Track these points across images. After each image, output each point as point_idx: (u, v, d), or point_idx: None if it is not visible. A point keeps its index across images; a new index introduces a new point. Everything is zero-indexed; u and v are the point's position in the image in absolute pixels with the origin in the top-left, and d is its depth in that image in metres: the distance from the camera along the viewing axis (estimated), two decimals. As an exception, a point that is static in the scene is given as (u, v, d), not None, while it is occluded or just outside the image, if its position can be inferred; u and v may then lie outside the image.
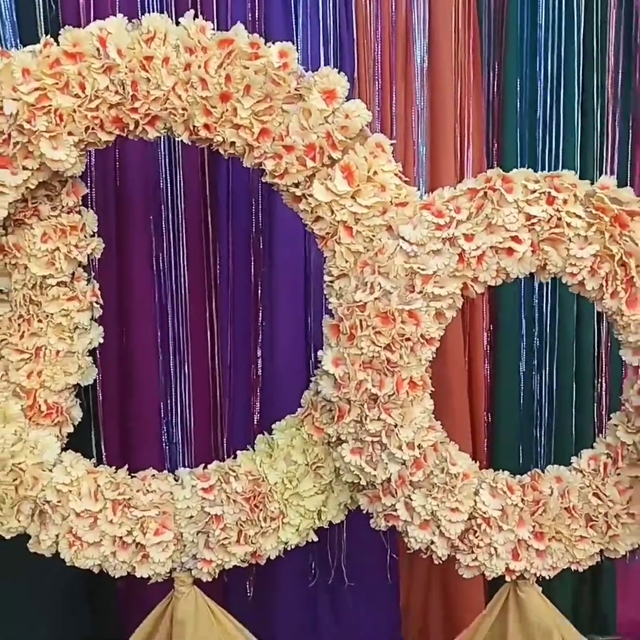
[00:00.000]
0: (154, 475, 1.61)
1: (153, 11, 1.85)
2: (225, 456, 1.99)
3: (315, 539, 1.62)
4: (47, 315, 1.59)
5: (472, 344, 2.08)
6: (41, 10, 1.83)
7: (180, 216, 1.93)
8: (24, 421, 1.54)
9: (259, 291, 1.99)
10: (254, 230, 1.97)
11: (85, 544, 1.55)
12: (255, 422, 2.02)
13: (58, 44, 1.45)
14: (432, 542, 1.54)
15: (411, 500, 1.51)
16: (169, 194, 1.93)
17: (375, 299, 1.46)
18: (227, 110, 1.48)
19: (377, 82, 1.94)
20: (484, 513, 1.52)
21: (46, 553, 1.57)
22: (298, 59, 1.50)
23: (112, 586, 2.02)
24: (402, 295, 1.46)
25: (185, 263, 1.94)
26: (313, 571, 2.09)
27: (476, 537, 1.52)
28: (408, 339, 1.47)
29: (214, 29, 1.49)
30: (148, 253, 1.92)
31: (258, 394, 2.02)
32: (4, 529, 1.54)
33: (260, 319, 2.00)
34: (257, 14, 1.90)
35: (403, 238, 1.46)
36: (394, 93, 1.95)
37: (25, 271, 1.57)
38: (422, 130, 1.98)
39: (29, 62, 1.43)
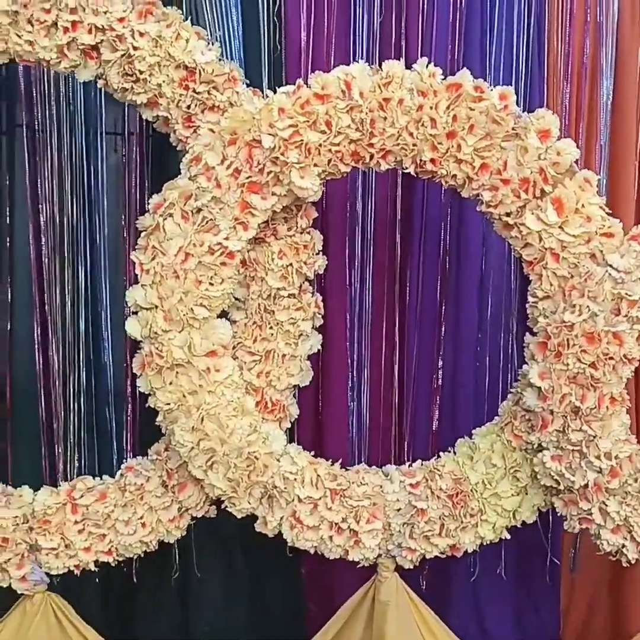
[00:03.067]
0: (365, 469, 1.80)
1: (361, 50, 2.08)
2: (407, 457, 2.17)
3: (508, 536, 1.78)
4: (277, 323, 1.80)
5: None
6: (266, 50, 2.06)
7: (370, 237, 2.12)
8: (258, 415, 1.76)
9: (443, 307, 2.17)
10: (441, 252, 2.15)
11: (306, 527, 1.75)
12: (434, 428, 2.19)
13: (308, 87, 1.66)
14: (624, 546, 1.68)
15: (606, 506, 1.65)
16: (361, 218, 2.13)
17: (583, 320, 1.61)
18: (452, 146, 1.66)
19: (564, 119, 2.09)
20: (675, 521, 1.65)
21: (270, 533, 1.78)
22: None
23: (298, 572, 2.24)
24: (607, 318, 1.61)
25: (374, 279, 2.13)
26: (473, 569, 2.24)
27: (666, 543, 1.65)
28: (611, 358, 1.61)
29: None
30: (343, 269, 2.11)
31: (437, 401, 2.19)
32: (236, 509, 1.76)
33: (442, 332, 2.17)
34: (456, 55, 2.08)
35: (611, 266, 1.61)
36: (581, 129, 2.09)
37: (262, 283, 1.79)
38: (604, 163, 2.12)
39: (285, 102, 1.64)
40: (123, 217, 2.12)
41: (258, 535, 1.80)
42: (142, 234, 1.69)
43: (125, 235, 2.12)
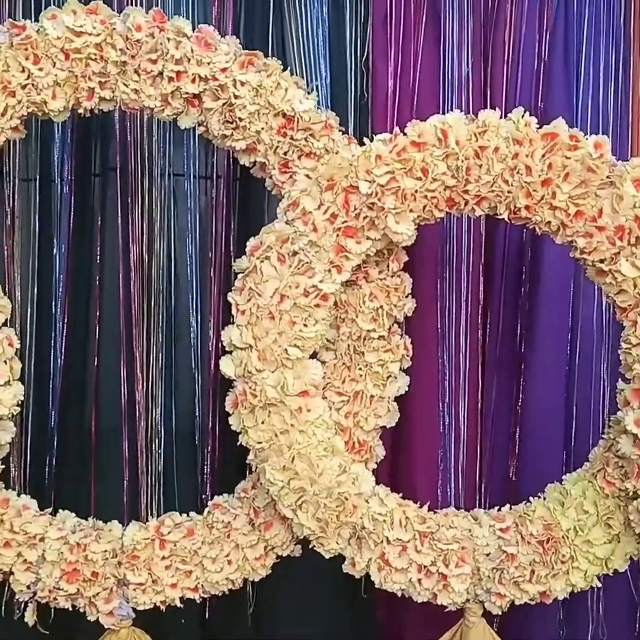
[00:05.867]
0: (454, 512, 1.80)
1: (448, 98, 2.13)
2: (484, 502, 2.16)
3: (599, 585, 1.76)
4: (367, 364, 1.82)
5: None
6: (353, 98, 2.12)
7: (464, 279, 2.15)
8: (348, 455, 1.77)
9: (522, 349, 2.17)
10: (521, 295, 2.16)
11: (394, 569, 1.75)
12: (511, 472, 2.19)
13: (405, 135, 1.70)
14: None
15: (703, 556, 1.63)
16: (450, 259, 2.16)
17: (680, 368, 1.61)
18: (547, 193, 1.68)
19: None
20: None
21: (357, 574, 1.79)
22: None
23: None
24: None
25: (466, 322, 2.15)
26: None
27: None
28: None
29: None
30: (434, 311, 2.14)
31: (517, 444, 2.19)
32: (325, 549, 1.76)
33: (522, 377, 2.18)
34: (539, 103, 2.11)
35: None
36: (667, 175, 2.10)
37: (353, 325, 1.81)
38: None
39: (382, 150, 1.68)
40: (210, 257, 2.17)
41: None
42: (239, 276, 1.73)
43: (211, 275, 2.17)
